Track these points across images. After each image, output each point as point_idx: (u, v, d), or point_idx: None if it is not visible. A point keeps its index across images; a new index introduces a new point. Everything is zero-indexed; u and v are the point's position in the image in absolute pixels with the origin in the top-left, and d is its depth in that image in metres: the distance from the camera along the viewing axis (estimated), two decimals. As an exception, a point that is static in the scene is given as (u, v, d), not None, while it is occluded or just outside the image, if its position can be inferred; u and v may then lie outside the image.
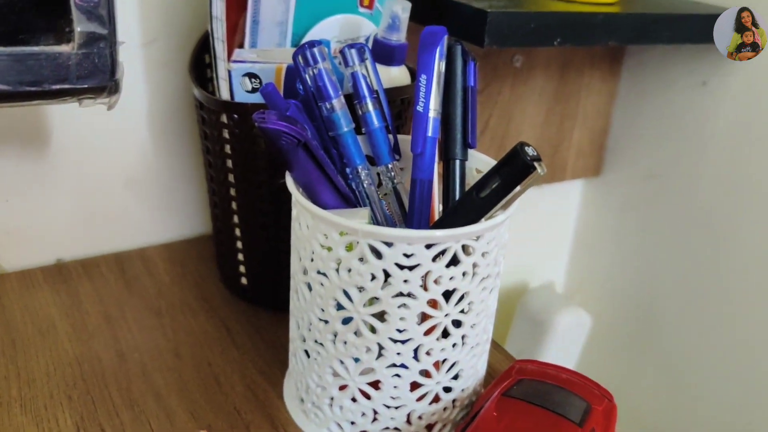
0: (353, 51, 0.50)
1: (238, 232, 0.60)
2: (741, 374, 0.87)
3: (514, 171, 0.41)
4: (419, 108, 0.48)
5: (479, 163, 0.52)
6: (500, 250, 0.46)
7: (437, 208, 0.51)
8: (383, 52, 0.55)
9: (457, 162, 0.50)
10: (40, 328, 0.58)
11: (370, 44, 0.58)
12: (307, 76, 0.47)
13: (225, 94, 0.54)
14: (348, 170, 0.49)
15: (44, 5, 0.39)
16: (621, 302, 1.01)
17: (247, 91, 0.53)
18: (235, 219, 0.59)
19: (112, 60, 0.41)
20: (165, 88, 0.66)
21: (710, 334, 0.89)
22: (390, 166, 0.51)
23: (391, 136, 0.51)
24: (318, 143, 0.46)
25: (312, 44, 0.47)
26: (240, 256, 0.61)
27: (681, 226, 0.90)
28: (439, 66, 0.48)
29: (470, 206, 0.43)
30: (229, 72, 0.52)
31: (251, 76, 0.52)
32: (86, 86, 0.41)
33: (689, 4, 0.78)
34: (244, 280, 0.62)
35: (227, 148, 0.55)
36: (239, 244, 0.60)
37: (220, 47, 0.52)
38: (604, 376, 1.03)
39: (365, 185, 0.49)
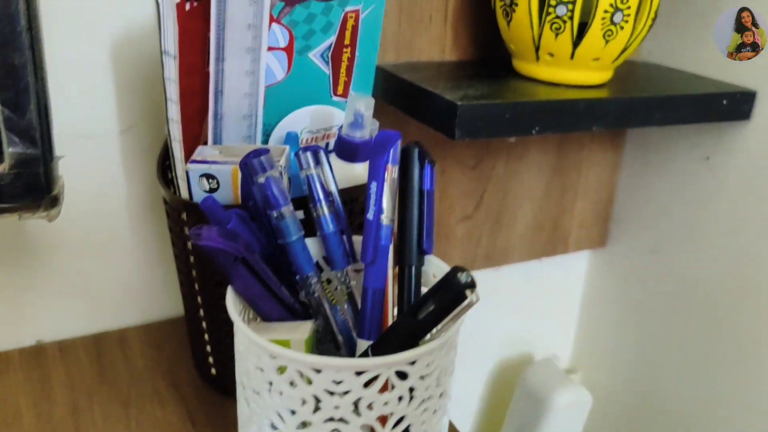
0: (308, 154, 0.49)
1: (204, 324, 0.59)
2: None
3: (448, 297, 0.39)
4: (369, 216, 0.47)
5: (437, 268, 0.50)
6: (444, 370, 0.44)
7: (392, 313, 0.49)
8: (347, 150, 0.55)
9: (413, 269, 0.49)
10: (6, 418, 0.58)
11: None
12: (254, 185, 0.47)
13: (185, 193, 0.54)
14: (297, 278, 0.48)
15: (-25, 129, 0.39)
16: (624, 382, 0.97)
17: (205, 191, 0.52)
18: (201, 312, 0.58)
19: (46, 178, 0.41)
20: (142, 173, 0.67)
21: (715, 419, 0.85)
22: (345, 270, 0.50)
23: (346, 238, 0.50)
24: (260, 255, 0.46)
25: (258, 153, 0.46)
26: (208, 348, 0.60)
27: (684, 304, 0.87)
28: (391, 172, 0.47)
29: (406, 329, 0.41)
30: (187, 172, 0.52)
31: (208, 176, 0.52)
32: (20, 204, 0.41)
33: (688, 80, 0.76)
34: (213, 371, 0.62)
35: (189, 245, 0.55)
36: (206, 336, 0.60)
37: (177, 148, 0.52)
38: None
39: (315, 294, 0.48)
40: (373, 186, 0.47)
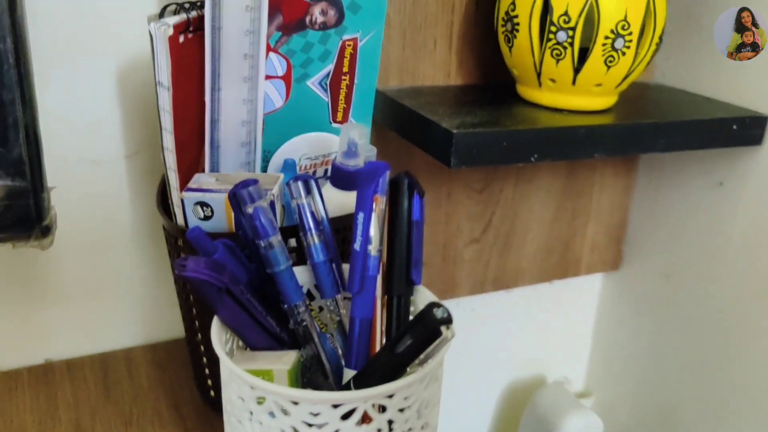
0: (299, 183, 0.50)
1: (202, 347, 0.60)
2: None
3: (424, 332, 0.40)
4: (356, 246, 0.47)
5: (426, 299, 0.50)
6: (425, 402, 0.44)
7: (380, 342, 0.50)
8: (341, 178, 0.55)
9: (400, 299, 0.49)
10: (10, 436, 0.60)
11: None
12: (243, 215, 0.48)
13: (181, 220, 0.54)
14: (286, 306, 0.49)
15: (-33, 162, 0.40)
16: (638, 406, 0.96)
17: (200, 219, 0.53)
18: (199, 336, 0.59)
19: (37, 209, 0.42)
20: (148, 197, 0.68)
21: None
22: (334, 299, 0.50)
23: (335, 266, 0.51)
24: (247, 284, 0.46)
25: (247, 183, 0.47)
26: (207, 370, 0.61)
27: (698, 328, 0.85)
28: (379, 202, 0.48)
29: (386, 363, 0.42)
30: (182, 200, 0.53)
31: (203, 204, 0.52)
32: (11, 235, 0.42)
33: (698, 104, 0.75)
34: (212, 392, 0.63)
35: (186, 270, 0.56)
36: (204, 359, 0.61)
37: (172, 177, 0.53)
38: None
39: (304, 323, 0.49)
40: (360, 216, 0.47)
